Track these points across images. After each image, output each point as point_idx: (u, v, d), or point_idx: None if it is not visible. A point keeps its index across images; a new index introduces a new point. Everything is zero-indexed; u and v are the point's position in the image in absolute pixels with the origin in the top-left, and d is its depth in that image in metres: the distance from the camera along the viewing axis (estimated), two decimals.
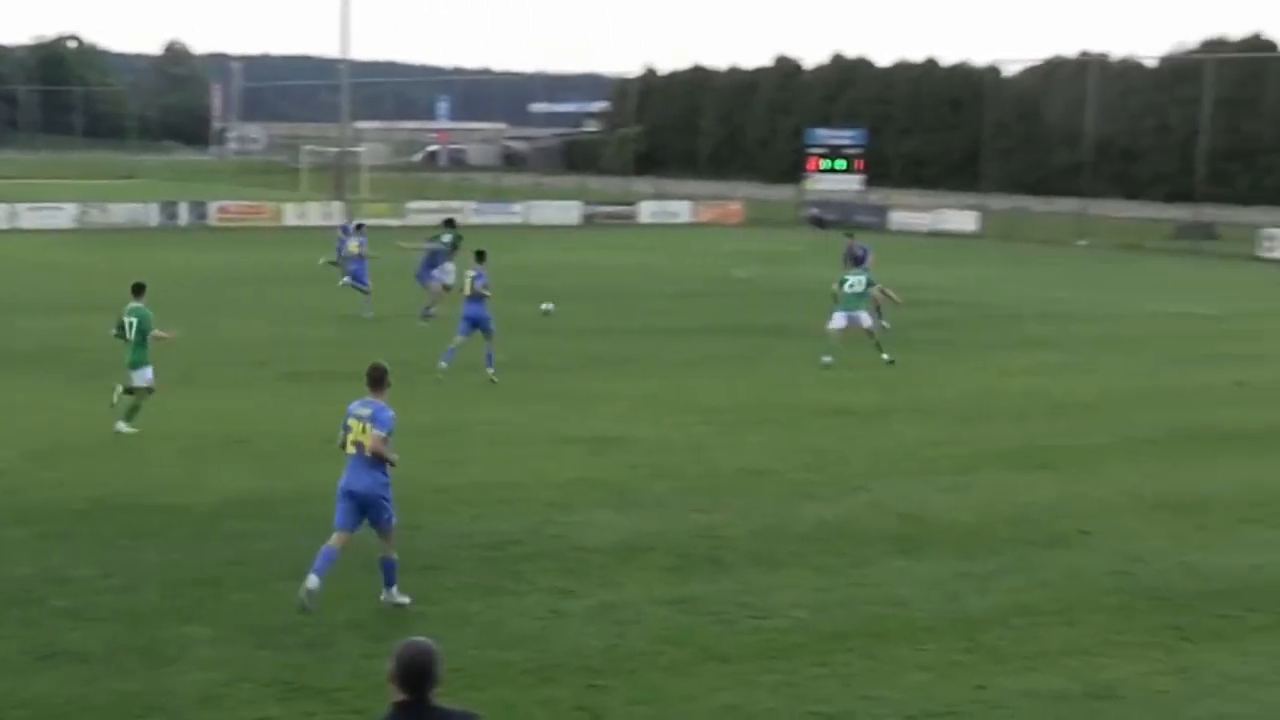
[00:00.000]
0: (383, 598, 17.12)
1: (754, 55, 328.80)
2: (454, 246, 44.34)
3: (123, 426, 25.87)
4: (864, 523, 21.03)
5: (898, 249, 75.25)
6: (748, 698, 14.40)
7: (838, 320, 36.00)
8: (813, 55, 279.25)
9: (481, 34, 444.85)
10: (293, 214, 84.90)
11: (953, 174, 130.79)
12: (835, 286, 36.86)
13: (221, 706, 14.10)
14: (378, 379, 17.17)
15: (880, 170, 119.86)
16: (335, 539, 16.93)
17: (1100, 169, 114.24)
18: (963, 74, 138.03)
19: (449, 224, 46.61)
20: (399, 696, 8.26)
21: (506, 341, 34.06)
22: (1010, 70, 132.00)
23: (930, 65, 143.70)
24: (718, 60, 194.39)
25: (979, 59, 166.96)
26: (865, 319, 36.16)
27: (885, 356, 35.35)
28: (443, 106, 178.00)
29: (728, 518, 21.00)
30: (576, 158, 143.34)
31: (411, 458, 24.27)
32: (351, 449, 16.88)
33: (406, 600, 17.13)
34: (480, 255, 33.92)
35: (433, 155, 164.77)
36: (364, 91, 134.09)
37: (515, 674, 14.87)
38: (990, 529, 20.76)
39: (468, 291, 33.25)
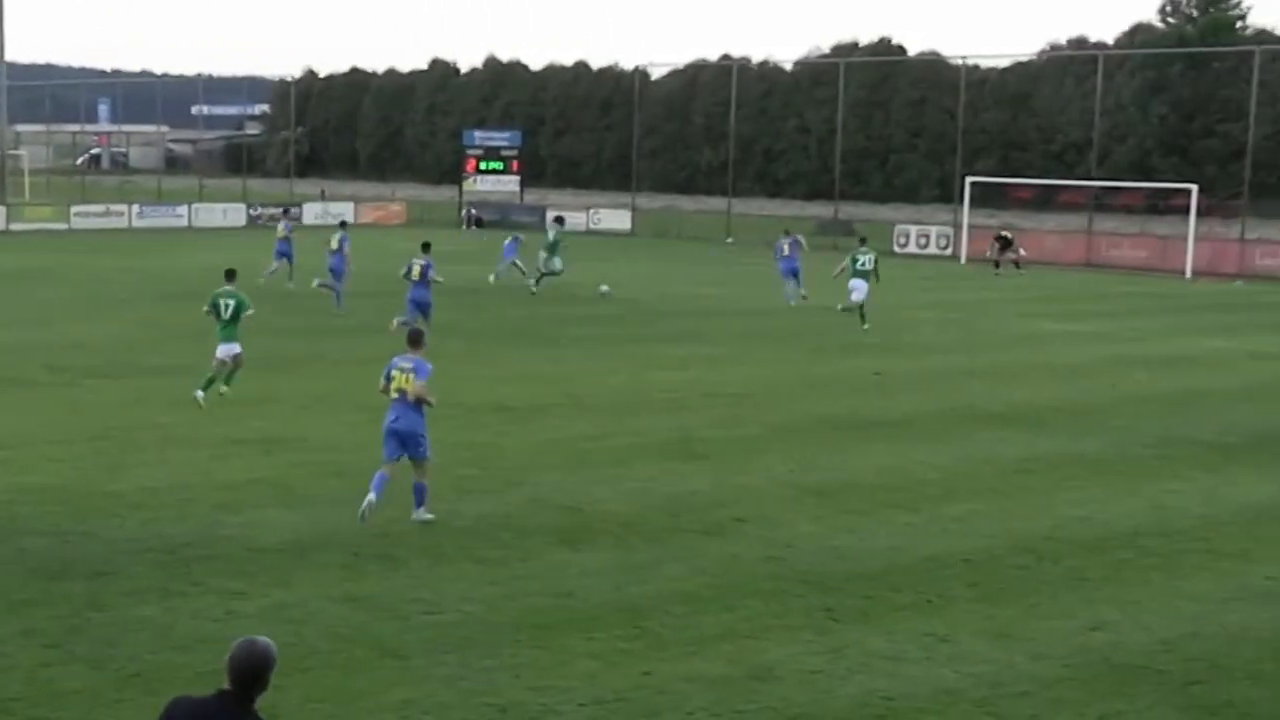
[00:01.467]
0: (413, 515, 20.45)
1: (410, 57, 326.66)
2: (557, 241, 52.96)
3: (224, 389, 29.39)
4: (527, 516, 21.04)
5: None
6: (422, 692, 14.32)
7: (856, 288, 43.72)
8: (468, 58, 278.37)
9: (141, 36, 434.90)
10: None
11: (606, 174, 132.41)
12: (847, 262, 44.72)
13: None
14: (415, 339, 20.89)
15: (537, 170, 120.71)
16: (385, 468, 20.37)
17: (744, 168, 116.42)
18: (613, 76, 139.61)
19: (559, 220, 58.88)
20: (226, 686, 8.40)
21: (172, 346, 33.27)
22: (658, 73, 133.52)
23: (581, 68, 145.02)
24: (375, 62, 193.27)
25: (627, 62, 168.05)
26: (864, 291, 43.53)
27: (866, 326, 42.71)
28: (103, 109, 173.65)
29: (397, 514, 20.85)
30: (239, 160, 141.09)
31: (79, 463, 23.81)
32: (395, 394, 20.23)
33: (430, 518, 20.43)
34: (426, 246, 40.16)
35: (95, 158, 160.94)
36: (22, 94, 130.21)
37: (192, 676, 14.52)
38: (649, 519, 20.94)
39: (415, 277, 38.78)
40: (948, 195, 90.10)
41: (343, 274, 45.62)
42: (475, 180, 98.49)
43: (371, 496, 19.96)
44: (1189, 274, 66.31)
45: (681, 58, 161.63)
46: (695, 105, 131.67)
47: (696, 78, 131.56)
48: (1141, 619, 16.98)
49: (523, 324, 43.23)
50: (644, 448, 25.40)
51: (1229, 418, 30.03)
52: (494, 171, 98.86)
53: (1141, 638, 16.30)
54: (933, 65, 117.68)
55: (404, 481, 20.64)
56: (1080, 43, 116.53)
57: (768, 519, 21.14)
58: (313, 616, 16.38)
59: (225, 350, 29.30)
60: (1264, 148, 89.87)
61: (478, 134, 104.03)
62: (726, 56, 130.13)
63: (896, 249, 77.86)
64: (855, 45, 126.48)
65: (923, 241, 78.79)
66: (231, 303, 29.30)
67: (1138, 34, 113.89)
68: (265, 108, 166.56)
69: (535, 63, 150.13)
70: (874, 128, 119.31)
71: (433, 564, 18.49)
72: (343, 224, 50.01)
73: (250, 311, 29.62)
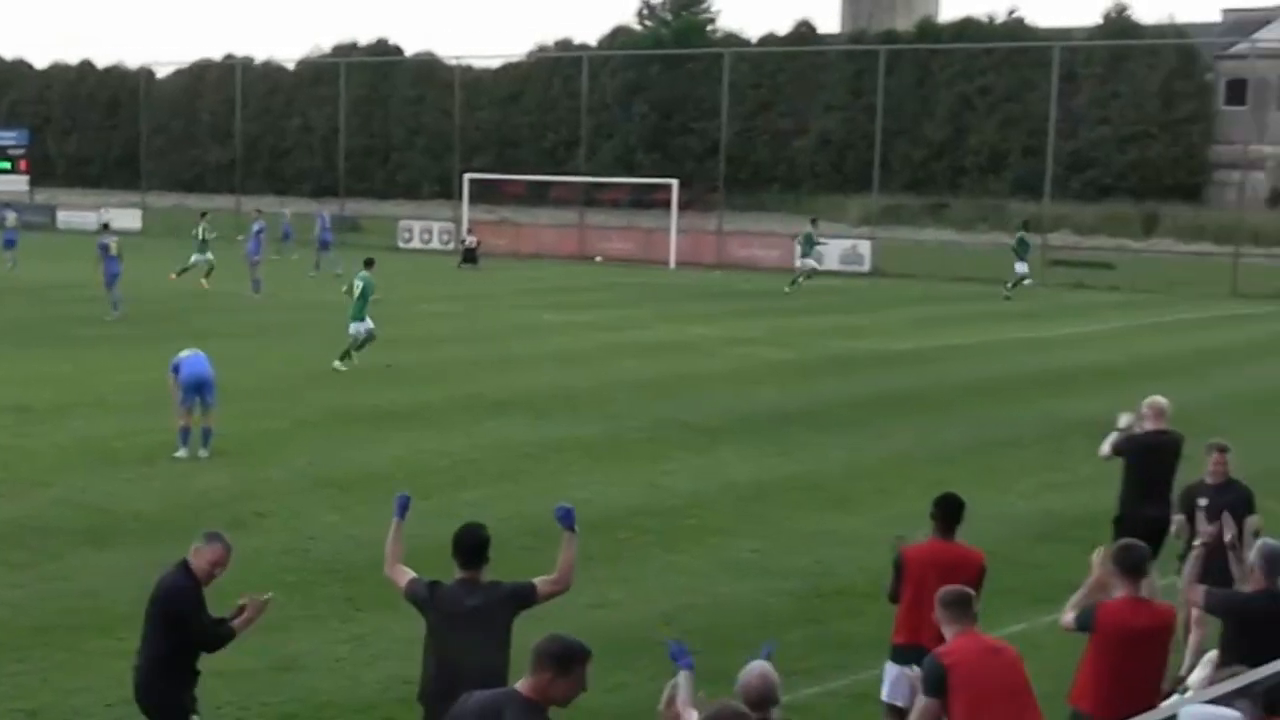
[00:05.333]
0: None
1: None
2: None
3: (338, 364, 34.02)
4: (52, 518, 20.49)
5: (67, 248, 73.31)
6: None
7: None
8: None
9: None
10: None
11: (115, 173, 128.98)
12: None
13: None
14: None
15: (45, 170, 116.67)
16: None
17: (253, 166, 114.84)
18: (118, 75, 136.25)
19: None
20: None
21: None
22: (163, 72, 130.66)
23: (86, 67, 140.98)
24: None
25: (132, 61, 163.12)
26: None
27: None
28: None
29: None
30: None
31: None
32: None
33: None
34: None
35: None
36: None
37: None
38: (174, 516, 20.53)
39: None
40: (448, 191, 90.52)
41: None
42: None
43: None
44: (673, 264, 68.19)
45: (186, 57, 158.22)
46: (201, 104, 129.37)
47: (202, 76, 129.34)
48: (642, 594, 17.53)
49: (36, 325, 41.87)
50: (166, 446, 24.84)
51: (713, 401, 31.08)
52: (2, 171, 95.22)
53: (643, 611, 16.83)
54: (428, 65, 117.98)
55: None
56: (566, 44, 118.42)
57: (289, 511, 21.07)
58: None
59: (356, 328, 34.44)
60: (735, 144, 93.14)
61: None
62: (230, 56, 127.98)
63: (401, 245, 78.04)
64: (355, 45, 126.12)
65: (426, 237, 79.10)
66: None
67: (618, 36, 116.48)
68: None
69: (40, 61, 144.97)
70: (375, 126, 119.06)
71: None
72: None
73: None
